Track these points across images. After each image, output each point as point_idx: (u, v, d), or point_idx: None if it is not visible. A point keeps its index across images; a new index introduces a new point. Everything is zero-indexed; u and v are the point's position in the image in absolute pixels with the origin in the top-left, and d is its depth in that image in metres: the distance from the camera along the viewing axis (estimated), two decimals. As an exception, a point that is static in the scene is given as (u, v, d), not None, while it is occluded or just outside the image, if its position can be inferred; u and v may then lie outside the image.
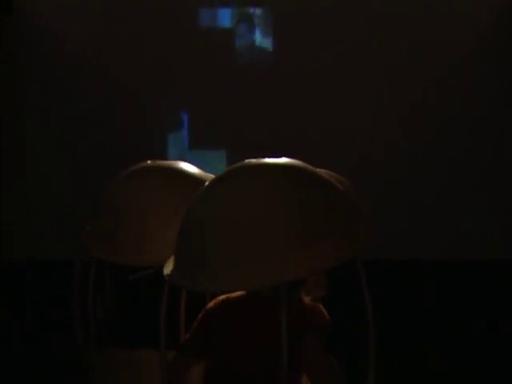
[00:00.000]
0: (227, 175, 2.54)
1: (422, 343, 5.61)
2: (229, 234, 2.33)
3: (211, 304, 2.76)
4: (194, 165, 3.44)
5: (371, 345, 2.57)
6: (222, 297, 2.75)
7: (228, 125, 7.25)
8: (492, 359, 5.34)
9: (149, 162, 3.42)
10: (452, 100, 7.22)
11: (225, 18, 7.29)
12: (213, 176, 3.10)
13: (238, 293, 2.71)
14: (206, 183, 2.58)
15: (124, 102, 7.20)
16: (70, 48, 7.29)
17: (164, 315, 2.60)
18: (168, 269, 2.52)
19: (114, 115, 7.23)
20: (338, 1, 7.19)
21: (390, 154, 7.15)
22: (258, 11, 7.31)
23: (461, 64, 7.21)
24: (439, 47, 7.18)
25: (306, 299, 2.74)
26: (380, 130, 7.19)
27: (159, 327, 2.62)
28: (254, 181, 2.44)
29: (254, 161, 2.55)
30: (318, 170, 2.57)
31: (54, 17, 7.28)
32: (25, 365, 5.72)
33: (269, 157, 2.58)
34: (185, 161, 3.50)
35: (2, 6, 7.13)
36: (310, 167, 2.53)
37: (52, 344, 5.85)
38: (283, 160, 2.54)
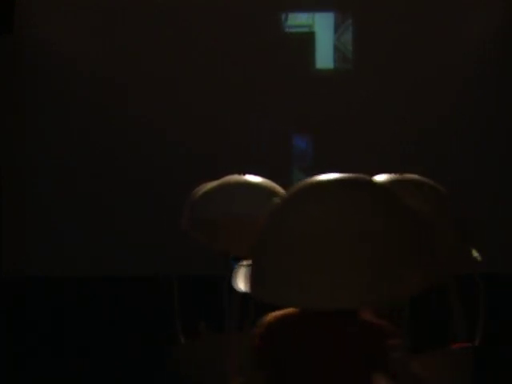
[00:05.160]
0: (318, 187, 2.44)
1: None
2: (327, 248, 2.26)
3: (268, 323, 2.61)
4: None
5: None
6: (278, 313, 2.61)
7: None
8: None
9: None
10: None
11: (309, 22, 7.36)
12: None
13: (292, 309, 2.60)
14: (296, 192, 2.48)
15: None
16: (78, 64, 7.23)
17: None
18: (241, 283, 2.46)
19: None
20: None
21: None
22: (338, 15, 7.35)
23: (462, 75, 7.21)
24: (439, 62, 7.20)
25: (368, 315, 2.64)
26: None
27: None
28: (351, 194, 2.37)
29: (341, 175, 2.46)
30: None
31: (55, 33, 7.22)
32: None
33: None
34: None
35: (1, 23, 7.09)
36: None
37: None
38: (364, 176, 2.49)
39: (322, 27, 7.37)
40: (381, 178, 2.98)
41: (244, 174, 4.15)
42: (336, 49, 7.39)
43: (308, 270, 2.26)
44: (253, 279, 2.43)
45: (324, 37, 7.37)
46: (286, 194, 2.52)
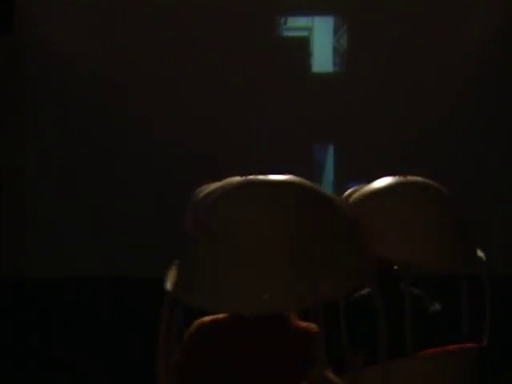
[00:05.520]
0: (244, 187, 2.40)
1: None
2: (246, 251, 2.18)
3: (196, 328, 2.59)
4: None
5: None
6: (206, 318, 2.58)
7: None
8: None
9: None
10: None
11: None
12: None
13: (222, 315, 2.56)
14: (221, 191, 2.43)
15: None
16: (77, 65, 7.22)
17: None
18: (170, 282, 2.36)
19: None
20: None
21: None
22: (337, 18, 7.37)
23: (462, 73, 7.20)
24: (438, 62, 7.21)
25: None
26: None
27: None
28: (275, 195, 2.31)
29: (272, 176, 2.42)
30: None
31: (55, 33, 7.19)
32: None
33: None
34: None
35: (1, 23, 7.07)
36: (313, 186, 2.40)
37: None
38: (292, 178, 2.41)
39: (322, 30, 7.36)
40: (385, 180, 2.94)
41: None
42: (335, 51, 7.38)
43: (227, 274, 2.17)
44: (176, 281, 2.33)
45: (323, 39, 7.37)
46: (212, 193, 2.44)
